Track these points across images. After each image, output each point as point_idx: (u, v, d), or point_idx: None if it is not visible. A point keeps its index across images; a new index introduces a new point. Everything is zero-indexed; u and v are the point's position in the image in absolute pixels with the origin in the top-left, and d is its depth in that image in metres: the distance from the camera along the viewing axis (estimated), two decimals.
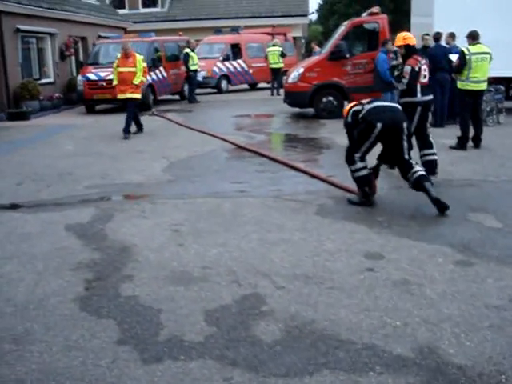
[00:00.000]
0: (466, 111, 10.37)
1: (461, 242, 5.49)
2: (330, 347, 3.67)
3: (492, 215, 6.38)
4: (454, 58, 11.79)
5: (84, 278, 4.91)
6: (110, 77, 17.51)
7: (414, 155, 7.22)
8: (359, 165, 6.80)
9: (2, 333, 4.02)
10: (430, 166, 8.01)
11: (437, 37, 12.91)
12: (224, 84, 25.09)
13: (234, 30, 26.82)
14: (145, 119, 16.29)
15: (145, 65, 13.46)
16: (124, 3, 35.76)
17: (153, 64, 19.36)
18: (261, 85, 26.92)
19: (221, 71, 24.78)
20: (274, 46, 22.89)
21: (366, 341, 3.73)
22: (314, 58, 16.43)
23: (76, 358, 3.65)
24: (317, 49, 28.53)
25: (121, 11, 32.48)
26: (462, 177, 8.24)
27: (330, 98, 14.73)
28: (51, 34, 20.74)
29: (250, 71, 25.98)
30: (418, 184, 6.61)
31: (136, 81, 12.98)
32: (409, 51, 8.47)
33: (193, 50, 20.83)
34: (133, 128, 13.23)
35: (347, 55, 14.53)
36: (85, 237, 6.04)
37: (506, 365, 3.43)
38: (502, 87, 13.23)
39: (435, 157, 8.20)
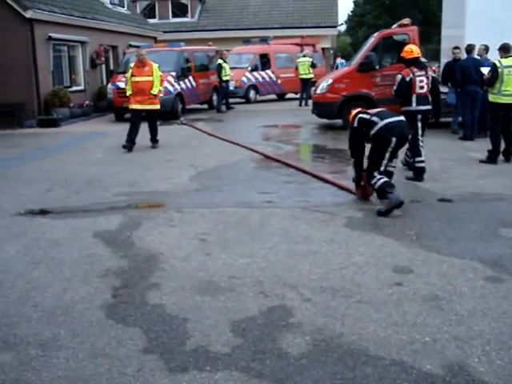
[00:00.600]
0: (497, 124, 10.24)
1: (491, 258, 5.40)
2: (357, 362, 3.62)
3: None
4: (485, 70, 11.67)
5: (111, 286, 4.92)
6: None
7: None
8: (377, 177, 7.15)
9: (29, 338, 4.04)
10: (419, 173, 8.79)
11: (469, 49, 12.79)
12: (252, 94, 25.19)
13: (263, 40, 26.91)
14: (173, 128, 16.45)
15: (161, 73, 12.85)
16: (154, 13, 36.23)
17: (182, 73, 19.50)
18: (289, 95, 26.96)
19: (249, 81, 24.89)
20: (304, 56, 23.00)
21: (394, 356, 3.68)
22: (344, 69, 16.39)
23: (102, 366, 3.65)
24: (338, 60, 28.57)
25: (151, 21, 32.87)
26: (492, 191, 8.11)
27: None
28: (82, 43, 21.02)
29: (279, 81, 26.05)
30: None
31: (154, 91, 12.44)
32: (407, 62, 9.13)
33: (225, 61, 21.14)
34: (141, 141, 12.64)
35: (377, 67, 14.46)
36: (112, 244, 6.07)
37: None
38: None
39: (423, 164, 8.84)
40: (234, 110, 21.50)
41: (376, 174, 7.16)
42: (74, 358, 3.75)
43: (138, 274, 5.17)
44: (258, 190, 8.46)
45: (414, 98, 8.90)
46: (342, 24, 48.89)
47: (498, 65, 10.01)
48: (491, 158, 10.09)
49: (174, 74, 19.05)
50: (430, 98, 9.08)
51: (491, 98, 10.30)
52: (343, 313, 4.29)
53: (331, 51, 37.04)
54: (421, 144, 8.87)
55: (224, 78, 20.97)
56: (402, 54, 9.33)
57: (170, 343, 3.91)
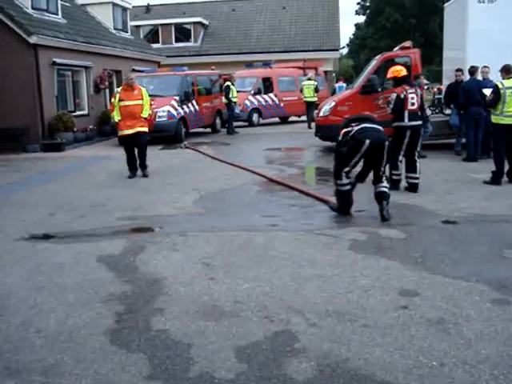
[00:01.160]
0: (500, 145, 10.24)
1: (497, 280, 5.35)
2: None
3: None
4: (487, 92, 11.70)
5: (115, 311, 4.89)
6: None
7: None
8: (344, 181, 7.89)
9: (32, 364, 4.00)
10: (412, 188, 9.54)
11: (472, 71, 12.84)
12: (255, 117, 25.32)
13: (266, 64, 27.11)
14: (177, 152, 16.49)
15: (149, 97, 12.40)
16: (158, 38, 36.59)
17: (185, 97, 19.62)
18: (292, 118, 27.05)
19: (252, 104, 25.02)
20: (309, 79, 23.19)
21: (401, 381, 3.63)
22: (346, 92, 16.46)
23: None
24: (337, 84, 28.87)
25: (155, 45, 33.22)
26: (496, 212, 8.07)
27: None
28: (86, 67, 21.20)
29: (281, 105, 26.17)
30: (377, 196, 7.84)
31: (145, 114, 12.01)
32: (398, 81, 9.85)
33: (233, 84, 21.79)
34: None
35: (379, 89, 14.51)
36: (116, 268, 6.04)
37: None
38: None
39: (417, 180, 9.61)
40: (238, 134, 21.61)
41: (343, 174, 7.85)
42: None
43: (141, 299, 5.14)
44: (262, 213, 8.45)
45: (406, 114, 9.53)
46: (343, 47, 49.51)
47: (500, 86, 10.04)
48: (495, 179, 10.07)
49: (177, 98, 19.19)
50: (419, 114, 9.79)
51: (494, 119, 10.31)
52: (349, 337, 4.24)
53: (333, 74, 37.25)
54: (400, 159, 9.59)
55: (233, 100, 21.61)
56: (393, 75, 9.95)
57: (174, 369, 3.87)
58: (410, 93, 9.58)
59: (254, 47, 35.47)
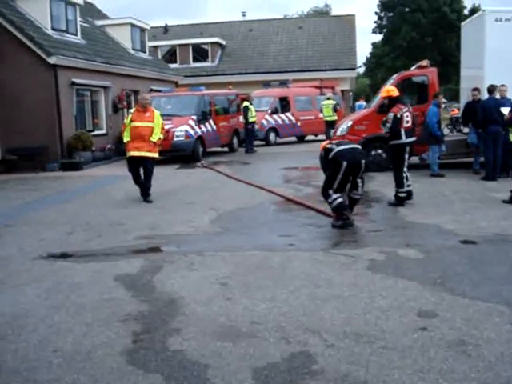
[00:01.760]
0: None
1: None
2: None
3: None
4: (505, 110, 11.65)
5: (132, 331, 4.88)
6: None
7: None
8: (333, 196, 8.47)
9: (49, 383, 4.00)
10: (400, 200, 10.08)
11: (491, 89, 12.79)
12: (272, 136, 25.39)
13: (283, 83, 27.22)
14: (194, 171, 16.55)
15: (162, 121, 12.00)
16: (176, 58, 36.94)
17: (203, 117, 19.73)
18: (308, 137, 27.07)
19: (269, 124, 25.10)
20: (328, 99, 23.22)
21: None
22: (363, 111, 16.47)
23: None
24: (359, 102, 28.96)
25: (172, 65, 33.51)
26: None
27: (379, 151, 14.66)
28: (105, 87, 21.44)
29: (298, 124, 26.23)
30: (350, 201, 8.75)
31: (154, 138, 11.51)
32: (392, 101, 10.26)
33: (251, 103, 22.07)
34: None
35: None
36: (133, 288, 6.04)
37: None
38: None
39: (410, 187, 10.25)
40: (255, 153, 21.69)
41: (331, 192, 8.48)
42: None
43: (158, 319, 5.13)
44: (279, 232, 8.43)
45: (402, 132, 10.00)
46: (360, 66, 49.55)
47: None
48: None
49: (194, 117, 19.30)
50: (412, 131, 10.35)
51: None
52: (367, 359, 4.19)
53: (350, 93, 37.30)
54: (404, 175, 10.06)
55: (250, 120, 21.76)
56: (388, 94, 10.41)
57: None
58: (405, 112, 10.11)
59: (270, 67, 35.65)
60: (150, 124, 11.51)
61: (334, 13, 68.23)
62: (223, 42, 38.15)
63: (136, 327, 4.96)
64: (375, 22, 59.15)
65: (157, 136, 11.59)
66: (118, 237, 8.48)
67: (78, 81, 19.26)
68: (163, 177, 14.72)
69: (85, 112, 20.68)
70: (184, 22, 43.14)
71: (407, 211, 9.55)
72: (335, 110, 23.00)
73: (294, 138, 27.17)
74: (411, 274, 6.20)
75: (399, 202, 10.03)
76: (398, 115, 10.00)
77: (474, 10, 48.92)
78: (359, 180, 8.67)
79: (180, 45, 37.23)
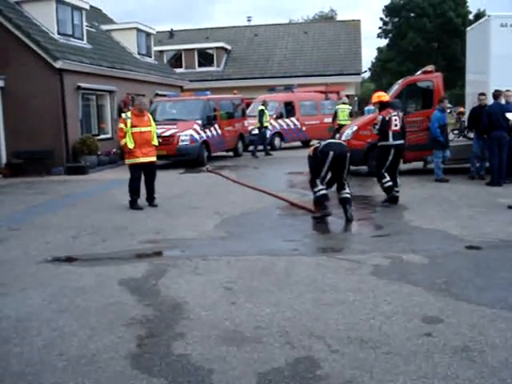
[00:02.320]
0: None
1: None
2: None
3: None
4: (510, 116, 11.64)
5: (136, 335, 4.89)
6: (166, 133, 18.04)
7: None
8: (320, 187, 9.30)
9: None
10: (394, 200, 10.62)
11: (496, 94, 12.78)
12: (277, 141, 25.39)
13: (288, 88, 27.25)
14: (199, 175, 16.57)
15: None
16: (181, 62, 37.04)
17: (208, 121, 19.75)
18: (313, 142, 27.05)
19: (274, 128, 25.10)
20: (343, 103, 23.09)
21: None
22: (368, 116, 16.46)
23: None
24: (369, 106, 28.88)
25: (178, 70, 33.61)
26: None
27: None
28: (110, 92, 21.50)
29: (303, 128, 26.25)
30: (341, 201, 9.40)
31: (155, 142, 11.57)
32: (382, 106, 10.97)
33: (266, 108, 22.49)
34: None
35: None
36: (138, 292, 6.05)
37: None
38: None
39: (398, 194, 10.72)
40: (259, 158, 21.71)
41: (318, 182, 9.28)
42: None
43: (163, 323, 5.13)
44: (284, 237, 8.43)
45: (390, 134, 10.61)
46: (365, 71, 49.40)
47: None
48: None
49: (199, 122, 19.32)
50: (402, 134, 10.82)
51: None
52: (372, 364, 4.19)
53: (355, 98, 37.29)
54: (383, 171, 10.60)
55: (265, 124, 22.23)
56: (379, 99, 11.08)
57: None
58: (394, 115, 10.75)
59: (275, 72, 35.70)
60: (149, 128, 11.47)
61: (339, 18, 68.46)
62: (228, 47, 38.23)
63: (140, 331, 4.97)
64: (380, 27, 59.18)
65: (155, 139, 11.66)
66: (123, 241, 8.49)
67: (83, 85, 19.32)
68: (168, 181, 14.75)
69: (90, 116, 20.74)
70: (189, 26, 43.37)
71: (412, 216, 9.53)
72: (351, 115, 22.88)
73: (298, 143, 27.17)
74: (416, 279, 6.19)
75: (388, 191, 10.60)
76: (387, 118, 10.67)
77: (478, 15, 48.97)
78: (345, 179, 9.37)
79: (185, 49, 37.30)
